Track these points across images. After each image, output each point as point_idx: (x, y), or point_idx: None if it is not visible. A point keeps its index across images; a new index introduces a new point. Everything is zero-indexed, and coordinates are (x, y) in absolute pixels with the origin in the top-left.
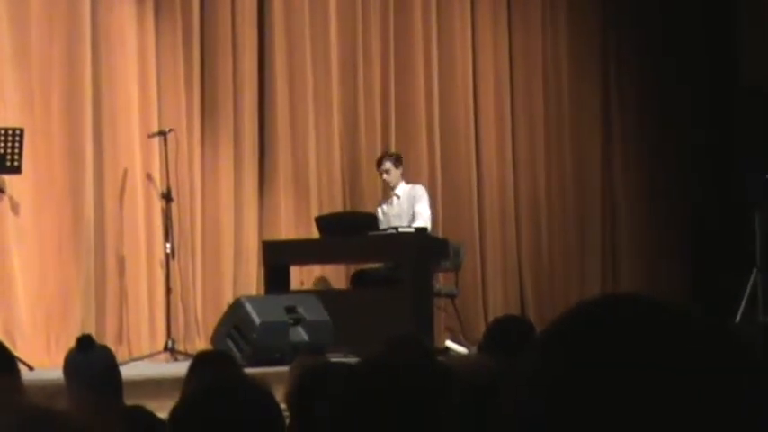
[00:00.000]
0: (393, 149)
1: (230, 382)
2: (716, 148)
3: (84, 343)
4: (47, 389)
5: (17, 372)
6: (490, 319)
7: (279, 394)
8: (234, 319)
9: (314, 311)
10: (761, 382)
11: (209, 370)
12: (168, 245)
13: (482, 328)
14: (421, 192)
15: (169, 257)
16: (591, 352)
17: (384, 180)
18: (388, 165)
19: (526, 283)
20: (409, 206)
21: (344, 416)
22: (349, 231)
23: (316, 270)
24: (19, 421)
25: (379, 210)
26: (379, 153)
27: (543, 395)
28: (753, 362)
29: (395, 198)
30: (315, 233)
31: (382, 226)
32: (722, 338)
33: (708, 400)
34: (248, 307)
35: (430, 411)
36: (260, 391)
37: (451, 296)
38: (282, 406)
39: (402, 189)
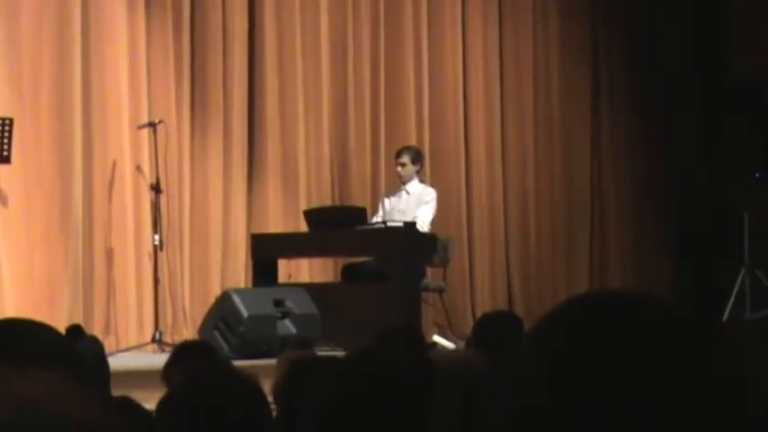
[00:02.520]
0: (381, 144)
1: (217, 374)
2: (705, 147)
3: (74, 333)
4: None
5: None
6: (478, 314)
7: (266, 387)
8: (221, 312)
9: (302, 305)
10: (748, 377)
11: (192, 360)
12: (156, 236)
13: (470, 324)
14: (430, 197)
15: (157, 249)
16: (580, 350)
17: (398, 172)
18: (405, 158)
19: (514, 278)
20: (416, 206)
21: (332, 408)
22: (337, 225)
23: (304, 264)
24: (6, 412)
25: (387, 201)
26: (369, 147)
27: (533, 394)
28: (742, 356)
29: (404, 193)
30: (303, 226)
31: (383, 218)
32: (713, 335)
33: (698, 396)
34: (236, 299)
35: (418, 405)
36: (247, 382)
37: (439, 291)
38: (269, 399)
39: (414, 186)
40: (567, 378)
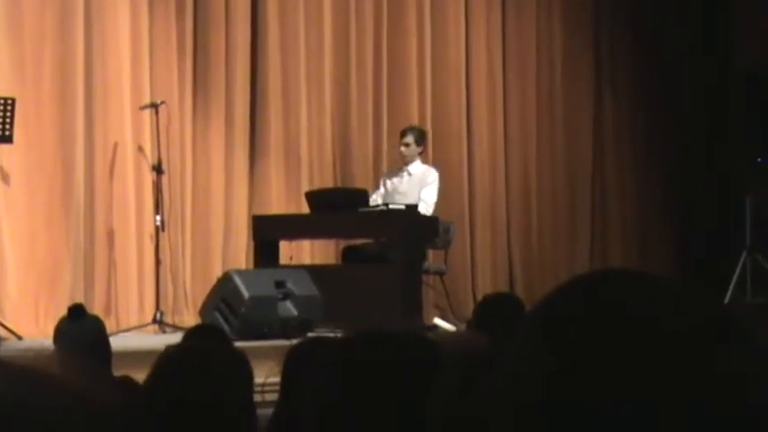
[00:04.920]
0: (383, 126)
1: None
2: (708, 131)
3: (76, 312)
4: (36, 358)
5: None
6: (479, 296)
7: (266, 368)
8: (223, 293)
9: (303, 286)
10: (756, 353)
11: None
12: (158, 217)
13: (471, 306)
14: (432, 177)
15: (159, 230)
16: (581, 333)
17: (401, 152)
18: (409, 139)
19: (515, 261)
20: (418, 187)
21: (332, 392)
22: (339, 207)
23: (305, 245)
24: (9, 382)
25: (388, 181)
26: (371, 128)
27: (533, 379)
28: (749, 333)
29: (406, 174)
30: (305, 208)
31: (383, 199)
32: (718, 310)
33: (705, 371)
34: (237, 280)
35: (419, 386)
36: (232, 363)
37: (440, 274)
38: (276, 380)
39: (416, 167)
40: (567, 364)
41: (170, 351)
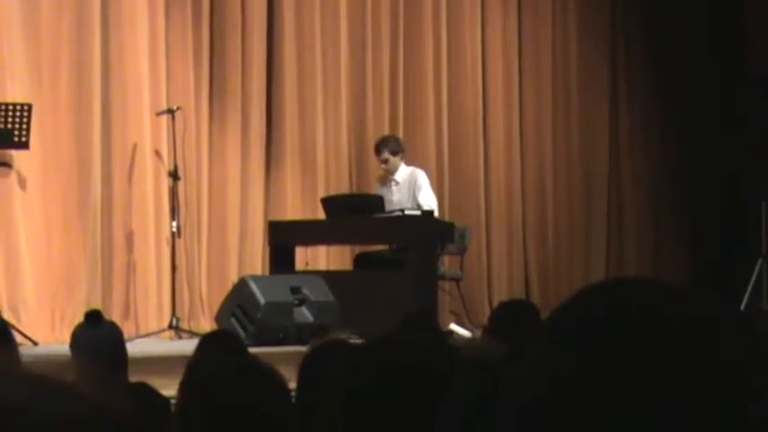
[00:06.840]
0: (399, 132)
1: (238, 367)
2: (723, 135)
3: (93, 318)
4: (52, 364)
5: (13, 342)
6: (495, 302)
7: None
8: (238, 299)
9: (319, 292)
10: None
11: (217, 350)
12: (174, 223)
13: (486, 312)
14: (422, 179)
15: (175, 236)
16: (599, 337)
17: (383, 168)
18: (386, 155)
19: (531, 267)
20: (409, 191)
21: (350, 397)
22: (355, 213)
23: (321, 251)
24: (28, 391)
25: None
26: (387, 134)
27: (550, 383)
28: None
29: (393, 184)
30: (321, 214)
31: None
32: (735, 322)
33: (720, 385)
34: (253, 287)
35: (437, 393)
36: (271, 375)
37: (456, 279)
38: (292, 385)
39: (402, 173)
40: (583, 372)
41: (201, 364)
